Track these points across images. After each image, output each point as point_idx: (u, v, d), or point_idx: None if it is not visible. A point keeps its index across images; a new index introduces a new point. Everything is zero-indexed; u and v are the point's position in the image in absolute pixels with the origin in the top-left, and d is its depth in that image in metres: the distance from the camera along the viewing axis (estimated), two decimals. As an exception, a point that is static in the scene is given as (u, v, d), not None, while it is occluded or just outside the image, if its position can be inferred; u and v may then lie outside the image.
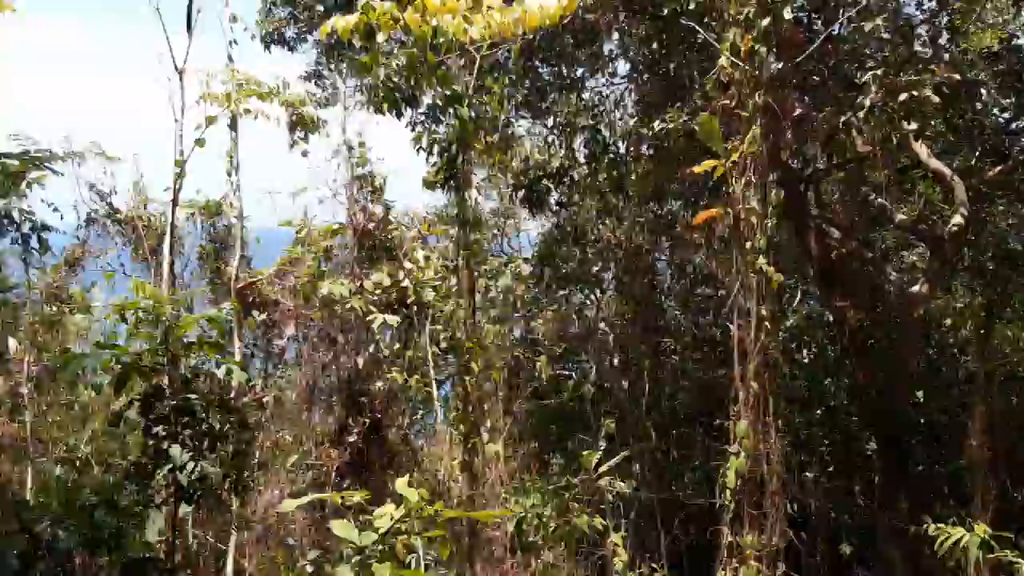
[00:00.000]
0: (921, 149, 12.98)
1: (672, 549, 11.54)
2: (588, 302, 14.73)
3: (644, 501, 11.19)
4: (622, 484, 9.46)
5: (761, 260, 6.69)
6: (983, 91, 15.39)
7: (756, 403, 6.82)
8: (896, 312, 12.35)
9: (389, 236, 8.93)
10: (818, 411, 15.62)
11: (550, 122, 12.37)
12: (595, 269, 13.63)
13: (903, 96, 7.52)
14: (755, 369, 6.79)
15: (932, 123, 14.80)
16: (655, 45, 9.99)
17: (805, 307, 17.63)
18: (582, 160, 11.48)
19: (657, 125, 8.90)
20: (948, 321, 13.43)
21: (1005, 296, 13.73)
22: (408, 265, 8.35)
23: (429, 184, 10.45)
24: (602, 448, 10.62)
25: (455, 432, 7.21)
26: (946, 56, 10.00)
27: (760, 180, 6.77)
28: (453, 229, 9.70)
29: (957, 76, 7.79)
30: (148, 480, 6.15)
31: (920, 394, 16.19)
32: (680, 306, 14.80)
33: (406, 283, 8.19)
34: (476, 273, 14.36)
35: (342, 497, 4.44)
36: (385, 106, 9.21)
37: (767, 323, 6.77)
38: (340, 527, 3.88)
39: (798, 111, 7.47)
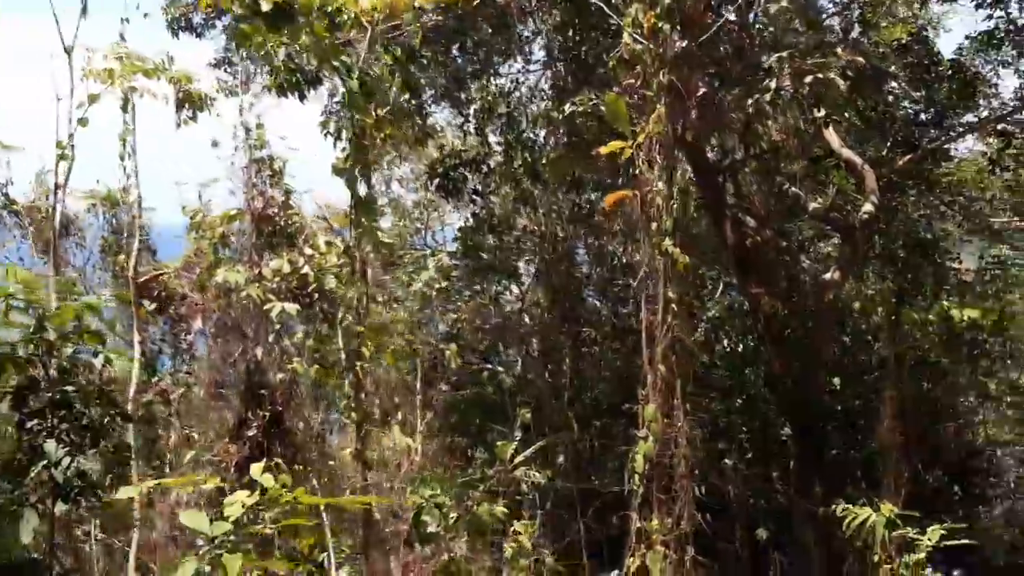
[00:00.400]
0: (833, 138, 13.19)
1: (592, 539, 11.47)
2: (508, 293, 14.60)
3: (562, 491, 11.09)
4: (538, 474, 9.33)
5: (668, 242, 6.61)
6: (894, 83, 15.79)
7: (664, 387, 6.74)
8: (810, 300, 12.53)
9: (290, 222, 8.60)
10: (739, 400, 15.78)
11: (470, 111, 12.20)
12: (514, 259, 13.48)
13: (809, 79, 7.54)
14: (663, 352, 6.70)
15: (846, 114, 15.16)
16: (569, 32, 9.88)
17: (727, 298, 17.82)
18: (498, 148, 11.32)
19: (568, 108, 8.78)
20: (857, 305, 13.65)
21: (915, 283, 14.06)
22: (308, 251, 8.05)
23: (338, 171, 10.10)
24: (519, 439, 10.49)
25: (347, 421, 6.96)
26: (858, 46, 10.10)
27: (666, 161, 6.68)
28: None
29: (861, 59, 7.84)
30: (22, 478, 5.75)
31: (837, 381, 16.57)
32: (599, 295, 14.77)
33: (307, 270, 7.89)
34: (391, 261, 14.15)
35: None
36: (287, 88, 8.91)
37: (675, 306, 6.68)
38: (189, 517, 3.62)
39: (703, 90, 7.41)
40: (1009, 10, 12.21)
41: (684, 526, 6.68)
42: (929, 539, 6.50)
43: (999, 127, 14.17)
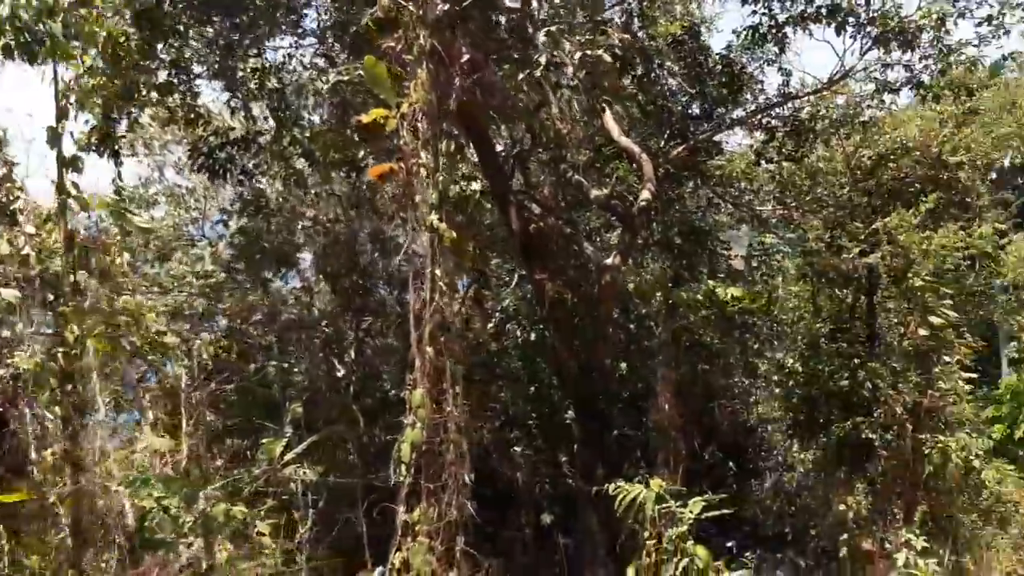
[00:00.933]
0: (612, 127, 13.48)
1: (376, 535, 10.99)
2: (287, 282, 13.83)
3: (345, 488, 10.55)
4: (308, 472, 8.77)
5: (433, 217, 6.28)
6: (672, 80, 16.45)
7: (433, 371, 6.41)
8: (594, 285, 12.72)
9: (11, 198, 7.47)
10: (531, 388, 15.88)
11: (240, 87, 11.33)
12: (292, 246, 12.74)
13: (578, 55, 7.47)
14: (430, 334, 6.37)
15: (626, 105, 15.58)
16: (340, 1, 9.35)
17: (521, 289, 17.91)
18: (267, 125, 10.59)
19: (332, 78, 8.26)
20: (632, 288, 14.06)
21: (690, 268, 14.70)
22: (30, 230, 7.00)
23: (82, 147, 9.03)
24: (289, 435, 9.85)
25: (50, 416, 6.12)
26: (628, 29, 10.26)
27: (431, 131, 6.34)
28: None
29: (628, 37, 7.87)
30: None
31: (625, 367, 17.05)
32: (386, 283, 14.34)
33: (27, 251, 6.86)
34: (163, 252, 13.00)
35: None
36: (16, 49, 7.78)
37: (443, 284, 6.37)
38: None
39: (467, 56, 7.16)
40: (772, 6, 12.91)
41: (455, 516, 6.38)
42: (691, 512, 6.59)
43: (764, 122, 15.11)
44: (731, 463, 18.51)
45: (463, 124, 11.98)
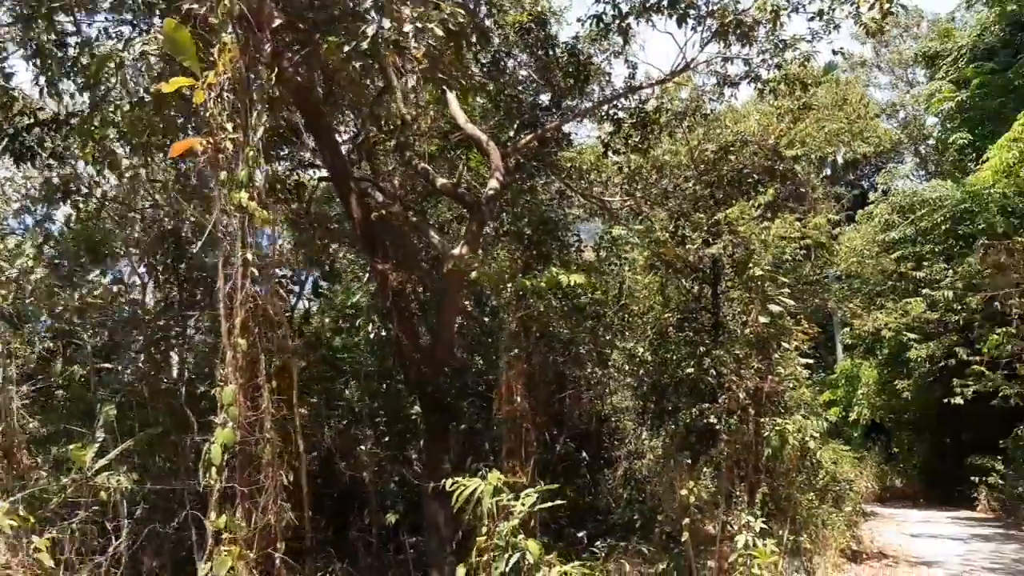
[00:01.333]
0: (459, 114, 13.19)
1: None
2: (113, 276, 12.77)
3: (163, 495, 9.75)
4: (123, 479, 8.02)
5: (242, 195, 5.76)
6: (522, 71, 16.34)
7: (246, 364, 5.88)
8: (441, 276, 12.40)
9: None
10: (383, 384, 15.40)
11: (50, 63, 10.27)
12: (113, 236, 11.73)
13: (408, 28, 7.09)
14: (242, 323, 5.84)
15: (475, 94, 15.32)
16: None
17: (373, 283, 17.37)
18: (79, 104, 9.66)
19: (138, 47, 7.53)
20: (474, 275, 13.82)
21: (541, 259, 14.59)
22: None
23: None
24: (102, 440, 9.00)
25: None
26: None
27: (240, 102, 5.82)
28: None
29: (462, 12, 7.55)
30: None
31: (480, 359, 16.81)
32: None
33: None
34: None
35: None
36: None
37: (254, 269, 5.86)
38: None
39: (279, 21, 6.67)
40: (616, -4, 12.93)
41: (272, 520, 5.88)
42: (523, 505, 6.36)
43: (611, 113, 15.20)
44: (584, 453, 18.65)
45: (299, 107, 11.41)
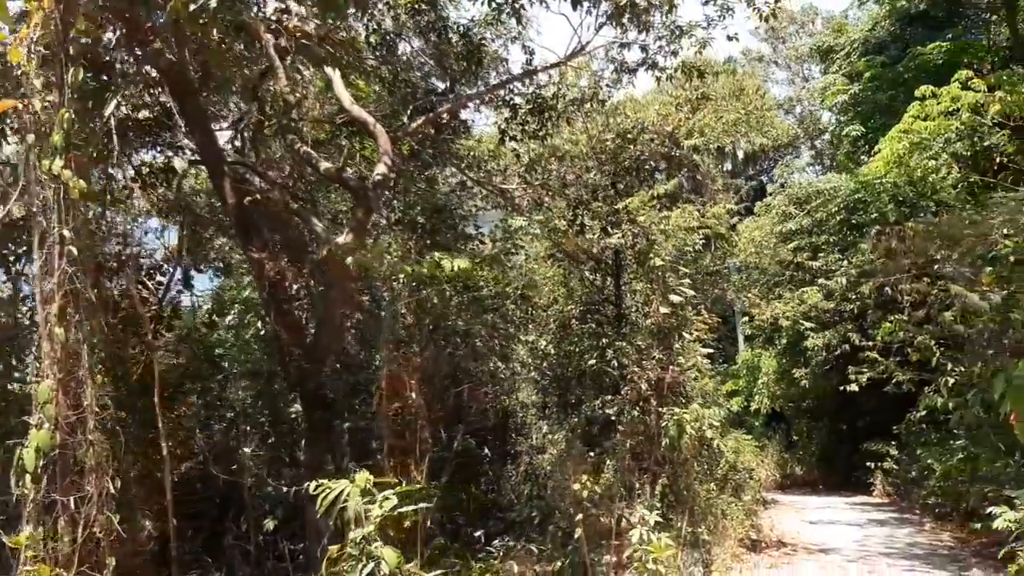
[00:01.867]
0: (344, 96, 12.52)
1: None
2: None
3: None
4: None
5: (57, 163, 5.05)
6: (417, 57, 15.75)
7: (66, 357, 5.17)
8: (324, 265, 11.72)
9: None
10: (271, 383, 14.60)
11: None
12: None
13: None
14: (59, 310, 5.12)
15: (371, 81, 14.67)
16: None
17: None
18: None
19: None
20: (349, 263, 13.23)
21: (435, 249, 14.03)
22: None
23: None
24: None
25: None
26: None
27: (56, 59, 5.10)
28: None
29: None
30: None
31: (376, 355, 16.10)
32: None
33: None
34: None
35: None
36: None
37: (72, 247, 5.15)
38: None
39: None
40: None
41: (99, 532, 5.18)
42: (380, 508, 5.81)
43: (508, 99, 14.77)
44: (487, 449, 18.20)
45: (170, 87, 10.60)
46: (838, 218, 22.27)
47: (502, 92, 14.57)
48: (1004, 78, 17.07)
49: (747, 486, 15.90)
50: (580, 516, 9.99)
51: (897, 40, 25.14)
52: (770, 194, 29.36)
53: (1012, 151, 17.20)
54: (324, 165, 12.14)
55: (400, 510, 6.36)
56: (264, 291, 10.86)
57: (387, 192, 13.38)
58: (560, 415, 19.27)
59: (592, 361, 16.98)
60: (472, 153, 16.11)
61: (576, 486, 10.39)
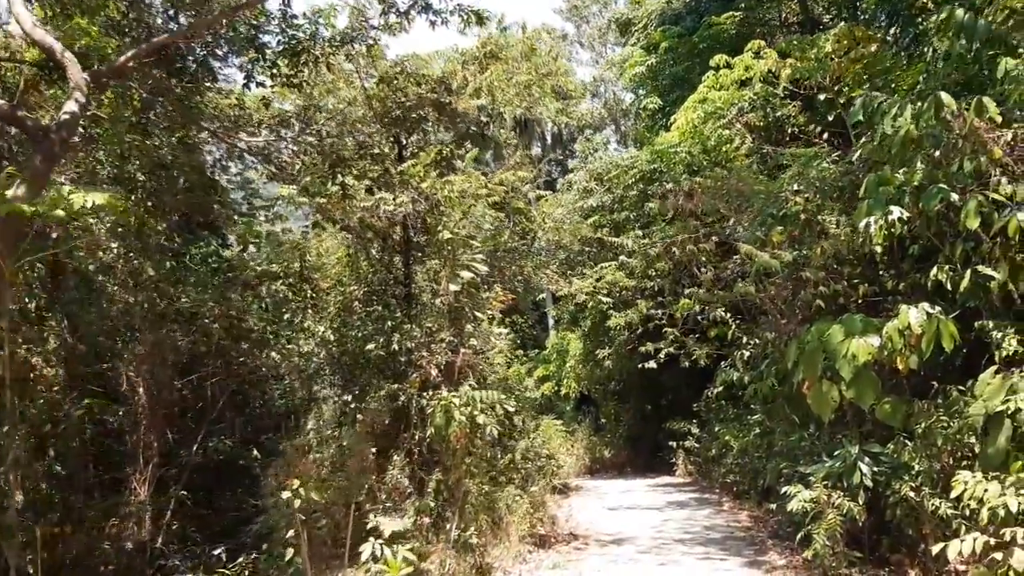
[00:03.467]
0: (23, 16, 9.98)
1: None
2: None
3: None
4: None
5: None
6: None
7: None
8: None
9: None
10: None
11: None
12: None
13: None
14: None
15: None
16: None
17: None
18: None
19: None
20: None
21: (159, 210, 11.70)
22: None
23: None
24: None
25: None
26: None
27: None
28: None
29: None
30: None
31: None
32: None
33: None
34: None
35: None
36: None
37: None
38: None
39: None
40: None
41: None
42: None
43: (254, 37, 12.55)
44: (255, 451, 16.05)
45: None
46: (635, 190, 21.53)
47: (245, 30, 12.33)
48: (795, 42, 16.66)
49: (537, 476, 14.51)
50: (294, 530, 8.10)
51: (692, 11, 24.80)
52: (571, 170, 28.50)
53: (803, 122, 16.87)
54: (-4, 102, 9.52)
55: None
56: None
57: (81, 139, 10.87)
58: (343, 408, 17.27)
59: (371, 346, 15.17)
60: (216, 105, 13.68)
61: (285, 494, 8.44)
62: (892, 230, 8.73)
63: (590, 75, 39.20)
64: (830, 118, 15.77)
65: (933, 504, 8.19)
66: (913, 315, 8.17)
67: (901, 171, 9.11)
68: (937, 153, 8.93)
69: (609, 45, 37.79)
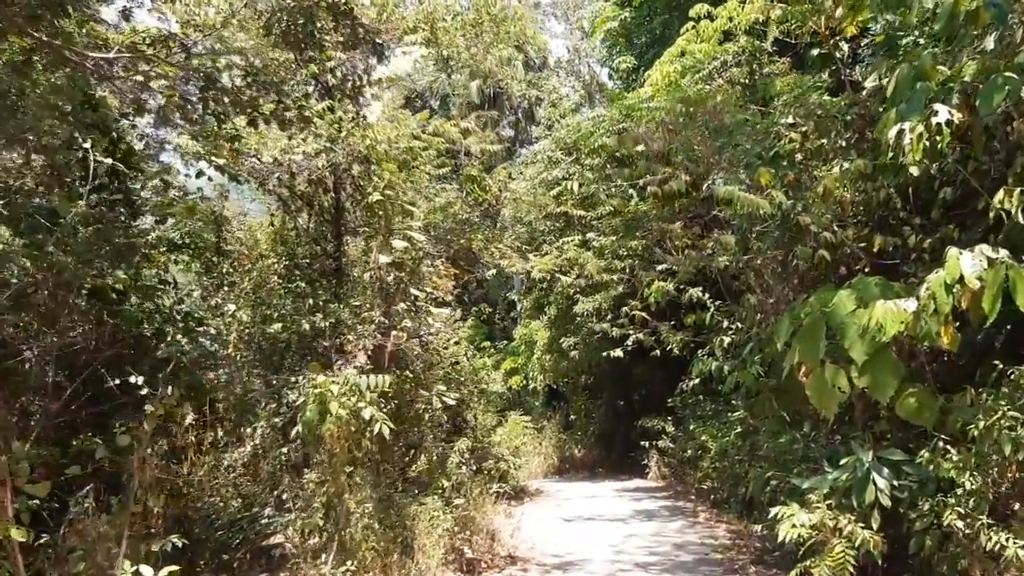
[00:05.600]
0: None
1: None
2: None
3: None
4: None
5: None
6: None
7: None
8: None
9: None
10: None
11: None
12: None
13: None
14: None
15: None
16: None
17: None
18: None
19: None
20: None
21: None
22: None
23: None
24: None
25: None
26: None
27: None
28: None
29: None
30: None
31: None
32: None
33: None
34: None
35: None
36: None
37: None
38: None
39: None
40: None
41: None
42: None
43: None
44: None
45: None
46: (603, 154, 19.09)
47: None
48: (786, -16, 14.29)
49: (472, 484, 12.03)
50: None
51: (672, -38, 22.39)
52: (536, 139, 26.07)
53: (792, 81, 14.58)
54: None
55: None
56: None
57: None
58: (262, 401, 14.75)
59: (277, 326, 12.81)
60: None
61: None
62: (937, 139, 6.28)
63: (564, 48, 36.85)
64: (824, 75, 13.45)
65: (989, 537, 5.83)
66: (967, 262, 5.79)
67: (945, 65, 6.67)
68: (995, 39, 6.53)
69: (581, 13, 35.43)
